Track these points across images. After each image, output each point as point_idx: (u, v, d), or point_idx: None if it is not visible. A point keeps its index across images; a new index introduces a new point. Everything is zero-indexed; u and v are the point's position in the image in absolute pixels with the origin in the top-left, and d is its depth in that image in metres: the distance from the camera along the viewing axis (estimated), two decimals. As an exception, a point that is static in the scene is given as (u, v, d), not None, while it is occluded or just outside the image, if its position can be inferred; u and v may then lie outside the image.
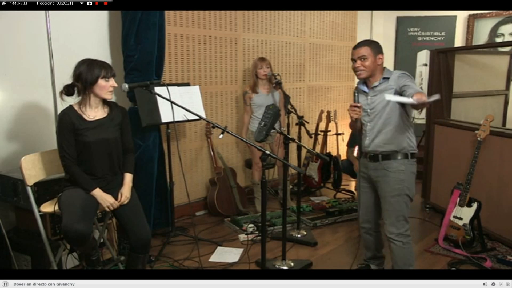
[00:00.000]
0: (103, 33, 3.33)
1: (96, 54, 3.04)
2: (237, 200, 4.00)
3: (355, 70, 2.47)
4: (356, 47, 2.46)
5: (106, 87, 2.24)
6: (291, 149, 3.43)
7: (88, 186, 2.25)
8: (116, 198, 2.31)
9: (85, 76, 2.19)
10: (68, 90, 2.25)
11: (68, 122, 2.21)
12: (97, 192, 2.25)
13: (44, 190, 2.58)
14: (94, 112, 2.29)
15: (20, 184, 2.56)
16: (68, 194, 2.25)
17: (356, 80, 2.63)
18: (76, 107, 2.27)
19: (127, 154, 2.45)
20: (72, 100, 2.30)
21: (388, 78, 2.44)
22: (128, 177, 2.41)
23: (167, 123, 3.24)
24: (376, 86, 2.46)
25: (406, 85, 2.30)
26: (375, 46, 2.45)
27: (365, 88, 2.52)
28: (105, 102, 2.35)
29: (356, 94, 2.48)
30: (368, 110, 2.49)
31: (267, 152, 2.24)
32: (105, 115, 2.33)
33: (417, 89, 2.25)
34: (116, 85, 2.30)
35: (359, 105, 2.41)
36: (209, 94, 4.05)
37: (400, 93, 2.32)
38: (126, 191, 2.36)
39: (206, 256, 3.09)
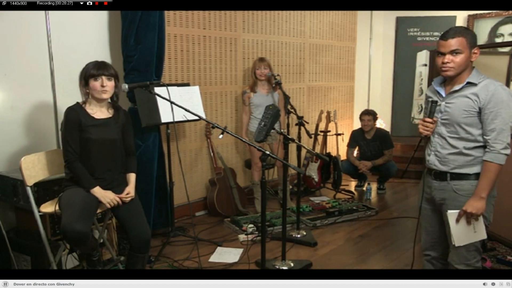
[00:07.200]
0: (103, 33, 3.32)
1: (96, 54, 3.04)
2: (237, 200, 4.00)
3: (441, 66, 1.93)
4: (446, 36, 1.88)
5: (97, 86, 2.24)
6: (290, 149, 3.43)
7: (89, 184, 2.26)
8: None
9: (81, 77, 2.28)
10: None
11: (75, 117, 2.24)
12: (97, 190, 2.27)
13: (44, 190, 2.58)
14: (100, 112, 2.33)
15: (20, 185, 2.56)
16: (68, 194, 2.25)
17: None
18: (82, 104, 2.32)
19: (130, 157, 2.49)
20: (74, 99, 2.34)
21: (474, 85, 1.90)
22: (133, 177, 2.46)
23: (167, 124, 3.24)
24: (456, 91, 1.94)
25: (491, 121, 1.85)
26: (471, 37, 1.88)
27: (442, 91, 2.01)
28: (111, 104, 2.39)
29: (432, 104, 1.97)
30: (440, 119, 2.01)
31: (267, 152, 2.24)
32: (110, 116, 2.37)
33: (500, 139, 1.85)
34: (108, 84, 2.26)
35: (432, 121, 1.98)
36: (208, 95, 4.05)
37: (480, 118, 1.89)
38: (132, 190, 2.39)
39: (206, 256, 3.09)
